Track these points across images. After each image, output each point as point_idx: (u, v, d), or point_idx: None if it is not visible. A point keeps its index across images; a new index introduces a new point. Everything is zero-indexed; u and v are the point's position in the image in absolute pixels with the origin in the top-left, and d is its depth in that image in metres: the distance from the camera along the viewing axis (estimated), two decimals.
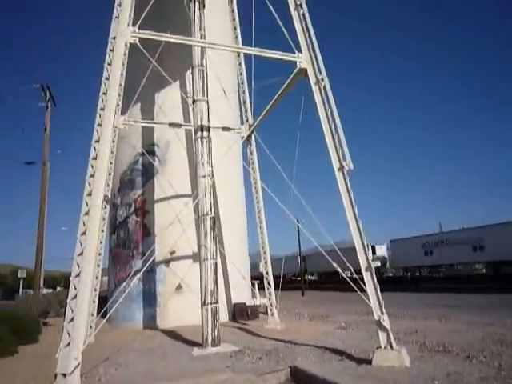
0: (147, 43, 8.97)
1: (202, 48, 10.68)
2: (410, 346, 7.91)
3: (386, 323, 7.04)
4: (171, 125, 13.54)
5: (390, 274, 46.75)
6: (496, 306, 16.02)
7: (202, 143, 10.34)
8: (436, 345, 8.03)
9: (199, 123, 10.43)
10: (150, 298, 14.25)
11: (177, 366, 7.58)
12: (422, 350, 7.69)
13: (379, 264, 39.33)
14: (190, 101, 12.31)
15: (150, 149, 15.23)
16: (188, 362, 7.94)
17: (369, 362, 6.80)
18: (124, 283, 13.62)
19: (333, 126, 8.25)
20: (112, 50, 8.24)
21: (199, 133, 10.39)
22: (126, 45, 8.48)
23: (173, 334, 11.60)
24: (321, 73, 8.69)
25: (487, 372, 5.89)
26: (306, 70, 8.94)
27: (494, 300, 18.51)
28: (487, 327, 10.13)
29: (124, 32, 8.31)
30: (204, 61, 10.83)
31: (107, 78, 8.13)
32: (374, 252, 39.90)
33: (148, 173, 15.30)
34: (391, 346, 6.86)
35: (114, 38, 8.28)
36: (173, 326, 12.85)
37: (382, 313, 7.17)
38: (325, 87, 8.57)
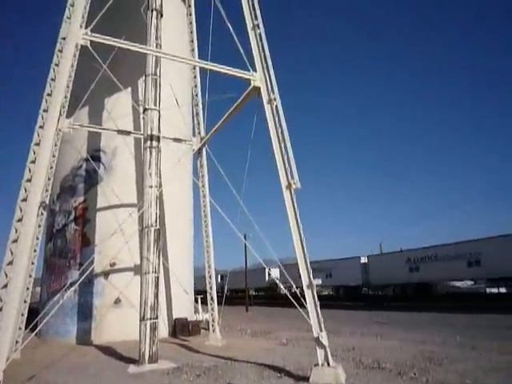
0: (100, 47, 8.72)
1: (156, 57, 10.56)
2: (347, 363, 8.12)
3: (325, 340, 7.19)
4: (120, 132, 13.15)
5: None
6: (429, 323, 16.88)
7: (150, 153, 10.13)
8: (371, 362, 8.30)
9: (149, 132, 10.23)
10: (85, 312, 13.51)
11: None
12: (358, 367, 7.91)
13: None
14: (141, 109, 12.06)
15: (95, 154, 14.68)
16: (123, 379, 7.60)
17: (306, 379, 6.89)
18: (58, 295, 12.83)
19: (282, 145, 8.43)
20: (60, 51, 7.96)
21: (148, 142, 10.18)
22: (76, 46, 8.21)
23: (108, 350, 11.06)
24: (273, 92, 8.90)
25: None
26: (259, 88, 9.12)
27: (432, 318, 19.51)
28: (419, 344, 10.63)
29: (75, 33, 8.04)
30: (158, 70, 10.71)
31: (53, 79, 7.80)
32: None
33: (91, 179, 14.69)
34: (328, 363, 7.00)
35: (64, 38, 7.99)
36: (109, 342, 12.26)
37: (321, 330, 7.31)
38: (276, 107, 8.77)
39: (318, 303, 7.51)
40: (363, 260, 35.78)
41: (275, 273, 39.80)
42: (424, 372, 7.24)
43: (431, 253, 29.95)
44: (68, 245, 14.44)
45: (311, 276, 7.65)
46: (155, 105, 10.44)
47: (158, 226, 9.79)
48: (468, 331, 13.02)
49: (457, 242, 28.69)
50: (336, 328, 14.18)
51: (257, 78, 9.19)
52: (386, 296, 38.49)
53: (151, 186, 9.91)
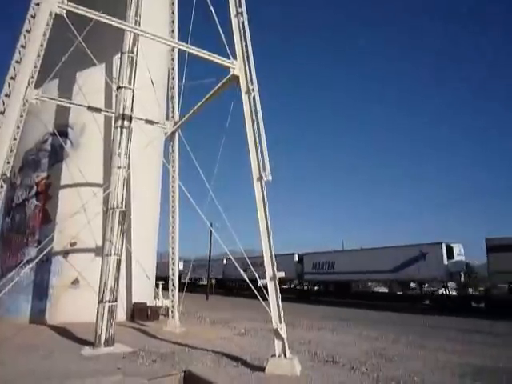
0: (76, 17, 8.36)
1: (134, 35, 10.24)
2: (303, 356, 8.28)
3: (283, 332, 7.30)
4: (90, 108, 12.70)
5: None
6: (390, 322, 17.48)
7: (121, 133, 9.87)
8: (326, 355, 8.51)
9: (121, 111, 9.96)
10: (40, 291, 13.09)
11: (63, 365, 7.05)
12: (313, 360, 8.10)
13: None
14: (114, 86, 11.69)
15: (62, 130, 14.13)
16: (76, 362, 7.43)
17: (262, 369, 6.98)
18: (13, 271, 12.38)
19: (257, 137, 8.42)
20: (33, 17, 7.56)
21: (120, 121, 9.91)
22: (50, 14, 7.82)
23: (63, 331, 10.80)
24: (252, 83, 8.85)
25: (366, 383, 6.39)
26: (238, 77, 9.04)
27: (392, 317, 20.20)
28: (373, 341, 11.00)
29: (50, 0, 7.66)
30: (135, 48, 10.41)
31: (23, 46, 7.42)
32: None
33: (57, 155, 14.16)
34: (285, 355, 7.13)
35: (38, 4, 7.60)
36: (64, 323, 11.96)
37: (281, 322, 7.42)
38: (254, 98, 8.73)
39: (279, 296, 7.60)
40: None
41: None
42: (375, 368, 7.50)
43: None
44: (27, 220, 13.91)
45: (275, 268, 7.73)
46: (130, 83, 10.17)
47: (123, 208, 9.59)
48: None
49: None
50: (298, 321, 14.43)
51: (236, 67, 9.11)
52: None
53: (119, 167, 9.67)
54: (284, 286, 39.85)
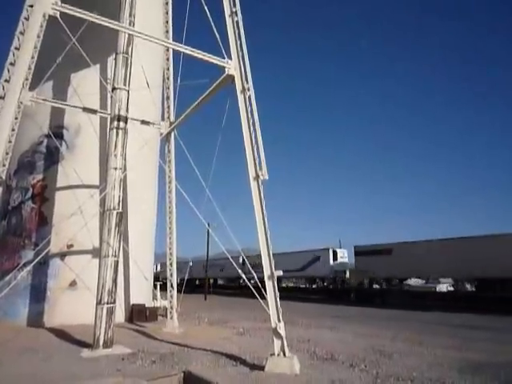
0: (70, 19, 8.32)
1: (129, 35, 10.21)
2: (302, 354, 8.29)
3: (282, 331, 7.31)
4: (85, 109, 12.64)
5: None
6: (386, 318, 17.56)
7: (117, 134, 9.84)
8: (325, 353, 8.53)
9: (117, 112, 9.93)
10: (38, 293, 13.04)
11: (62, 368, 7.04)
12: (312, 358, 8.11)
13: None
14: (109, 87, 11.65)
15: (57, 131, 14.08)
16: (75, 364, 7.41)
17: (262, 368, 6.99)
18: (10, 275, 12.30)
19: (253, 136, 8.42)
20: (27, 19, 7.52)
21: (115, 122, 9.88)
22: (44, 16, 7.79)
23: (61, 334, 10.76)
24: (247, 82, 8.85)
25: (366, 379, 6.42)
26: (233, 76, 9.03)
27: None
28: (371, 338, 11.03)
29: (43, 2, 7.63)
30: (130, 49, 10.38)
31: (17, 48, 7.39)
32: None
33: (52, 157, 14.11)
34: (284, 354, 7.14)
35: (31, 6, 7.57)
36: (62, 325, 11.91)
37: (279, 321, 7.43)
38: (250, 97, 8.73)
39: (277, 294, 7.61)
40: None
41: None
42: (374, 364, 7.52)
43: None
44: (23, 223, 13.85)
45: (273, 267, 7.74)
46: (125, 84, 10.13)
47: (120, 209, 9.56)
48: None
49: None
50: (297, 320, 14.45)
51: (231, 66, 9.10)
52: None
53: (115, 168, 9.65)
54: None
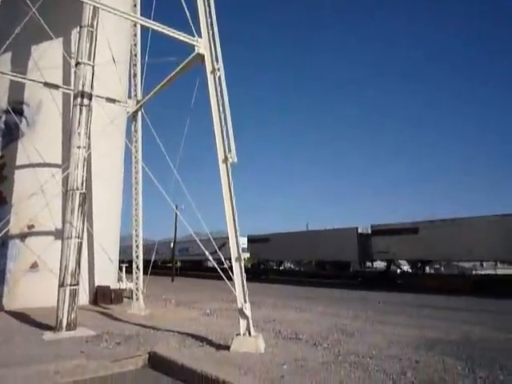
0: None
1: (94, 8, 9.73)
2: (267, 334, 8.46)
3: (248, 311, 7.42)
4: (47, 85, 12.06)
5: None
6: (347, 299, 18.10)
7: (80, 111, 9.46)
8: (290, 333, 8.74)
9: (80, 88, 9.53)
10: None
11: (23, 350, 6.87)
12: (277, 338, 8.29)
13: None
14: (72, 62, 11.15)
15: (17, 107, 13.40)
16: (37, 346, 7.26)
17: (228, 348, 7.09)
18: None
19: (222, 117, 8.31)
20: None
21: (79, 99, 9.50)
22: None
23: (22, 316, 10.47)
24: (218, 62, 8.67)
25: (328, 357, 6.64)
26: (203, 56, 8.83)
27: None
28: (334, 318, 11.37)
29: None
30: (95, 22, 9.92)
31: None
32: None
33: (11, 134, 13.45)
34: (249, 333, 7.26)
35: None
36: (23, 308, 11.59)
37: (245, 301, 7.53)
38: (220, 77, 8.58)
39: (244, 276, 7.68)
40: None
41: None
42: (336, 343, 7.78)
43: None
44: None
45: (240, 249, 7.79)
46: (89, 59, 9.72)
47: (83, 190, 9.28)
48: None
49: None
50: (261, 300, 14.66)
51: (201, 45, 8.88)
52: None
53: (79, 147, 9.32)
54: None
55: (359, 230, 29.34)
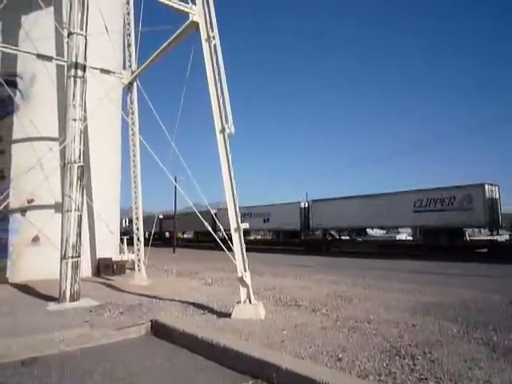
0: None
1: None
2: (267, 301, 8.66)
3: (248, 280, 7.55)
4: (40, 56, 11.78)
5: None
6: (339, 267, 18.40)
7: (75, 82, 9.30)
8: (289, 300, 8.93)
9: (74, 60, 9.33)
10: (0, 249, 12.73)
11: (28, 321, 7.03)
12: (277, 305, 8.48)
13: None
14: (65, 33, 10.86)
15: (10, 79, 13.10)
16: (42, 317, 7.42)
17: (229, 315, 7.26)
18: None
19: (219, 87, 8.18)
20: None
21: (73, 70, 9.31)
22: None
23: (26, 289, 10.67)
24: (213, 30, 8.45)
25: (327, 323, 6.80)
26: (197, 23, 8.60)
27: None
28: (332, 285, 11.59)
29: None
30: None
31: None
32: None
33: (6, 107, 13.26)
34: (250, 301, 7.42)
35: None
36: (27, 280, 11.79)
37: (245, 270, 7.65)
38: (215, 45, 8.38)
39: (243, 245, 7.77)
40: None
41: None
42: (335, 309, 7.96)
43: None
44: None
45: (239, 220, 7.84)
46: (81, 29, 9.46)
47: (81, 163, 9.25)
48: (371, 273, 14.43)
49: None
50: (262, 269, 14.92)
51: (195, 12, 8.63)
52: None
53: (75, 119, 9.22)
54: None
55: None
